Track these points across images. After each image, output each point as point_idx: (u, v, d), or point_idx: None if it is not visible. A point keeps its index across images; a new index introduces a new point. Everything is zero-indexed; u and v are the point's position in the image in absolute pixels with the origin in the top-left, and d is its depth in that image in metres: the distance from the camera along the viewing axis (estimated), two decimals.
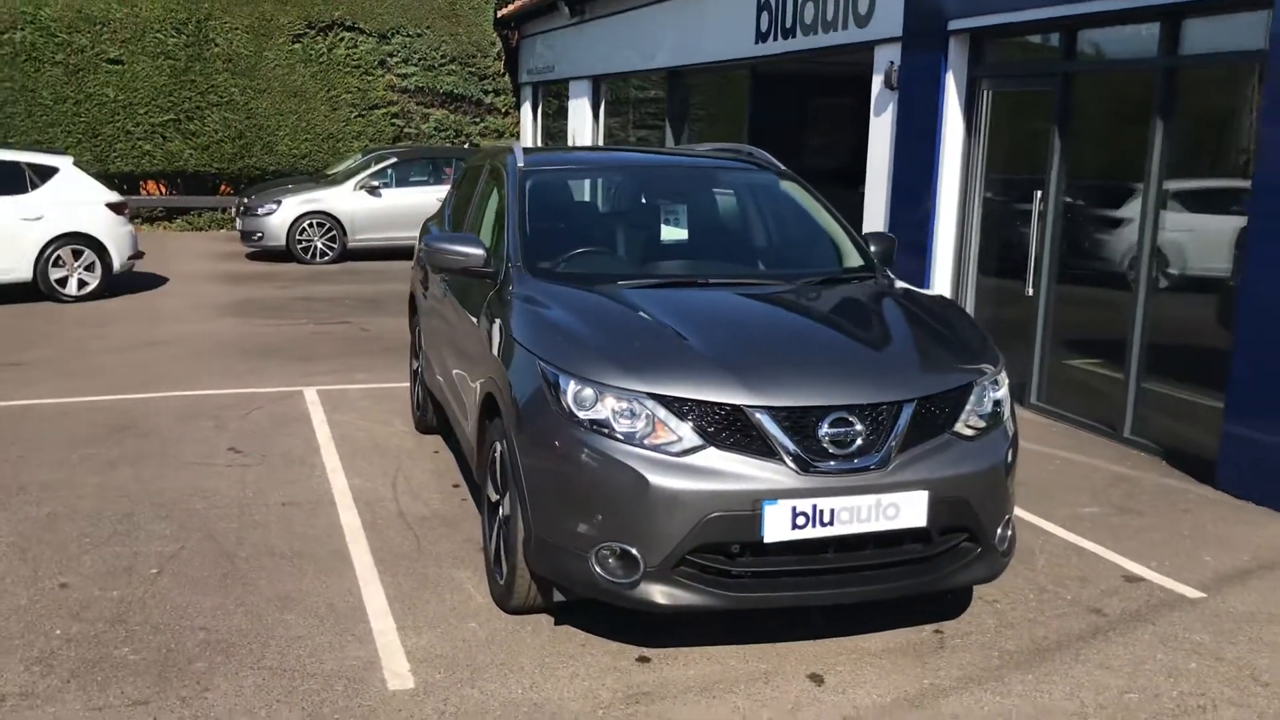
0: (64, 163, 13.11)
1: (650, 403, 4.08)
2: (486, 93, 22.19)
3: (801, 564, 4.13)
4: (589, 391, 4.14)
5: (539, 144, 21.55)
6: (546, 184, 5.72)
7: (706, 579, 4.07)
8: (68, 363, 9.48)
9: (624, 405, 4.10)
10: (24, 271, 12.64)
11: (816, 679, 4.21)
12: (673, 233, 5.67)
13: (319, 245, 16.72)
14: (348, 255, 16.92)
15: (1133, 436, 7.58)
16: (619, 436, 4.07)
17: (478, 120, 22.28)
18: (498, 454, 4.65)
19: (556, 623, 4.61)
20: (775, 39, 11.92)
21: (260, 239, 16.72)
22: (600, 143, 18.38)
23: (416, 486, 6.35)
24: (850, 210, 10.62)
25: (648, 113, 17.03)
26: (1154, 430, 7.47)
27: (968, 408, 4.34)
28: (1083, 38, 8.15)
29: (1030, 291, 8.45)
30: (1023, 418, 8.25)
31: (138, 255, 13.66)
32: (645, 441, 4.05)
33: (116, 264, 13.15)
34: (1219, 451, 6.64)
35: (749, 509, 3.98)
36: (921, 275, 9.44)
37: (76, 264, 12.90)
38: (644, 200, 5.94)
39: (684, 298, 4.92)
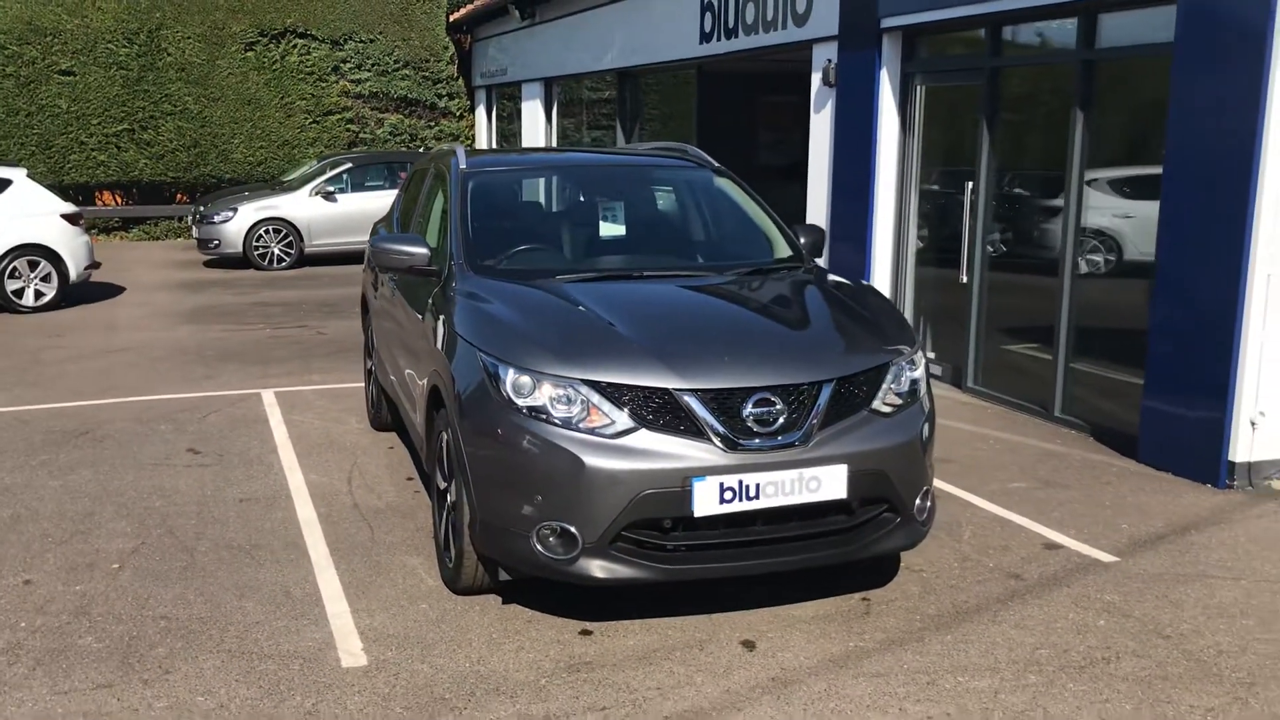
0: (17, 175, 13.18)
1: (585, 389, 4.32)
2: (440, 96, 22.34)
3: (731, 537, 4.39)
4: (526, 380, 4.38)
5: (494, 146, 21.74)
6: (488, 184, 5.95)
7: (642, 553, 4.32)
8: (25, 372, 9.59)
9: (560, 392, 4.34)
10: None
11: (749, 645, 4.47)
12: (611, 229, 5.92)
13: (276, 251, 16.84)
14: (305, 261, 17.06)
15: (1063, 415, 7.90)
16: (556, 421, 4.31)
17: (432, 124, 22.43)
18: (444, 443, 4.88)
19: (504, 602, 4.84)
20: (719, 39, 12.19)
21: (217, 246, 16.82)
22: (554, 144, 18.60)
23: (371, 480, 6.56)
24: (796, 204, 10.95)
25: (600, 113, 17.27)
26: (1082, 409, 7.80)
27: (885, 386, 4.61)
28: (1008, 33, 8.47)
29: (965, 279, 8.77)
30: (959, 401, 8.58)
31: (94, 265, 13.74)
32: (581, 425, 4.29)
33: (73, 274, 13.23)
34: (1139, 426, 6.97)
35: (679, 486, 4.23)
36: (862, 266, 9.74)
37: (33, 275, 12.98)
38: (583, 198, 6.19)
39: (619, 290, 5.16)
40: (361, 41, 21.69)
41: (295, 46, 21.31)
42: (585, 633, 4.58)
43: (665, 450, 4.25)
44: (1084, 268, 7.82)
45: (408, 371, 5.83)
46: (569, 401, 4.33)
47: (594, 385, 4.33)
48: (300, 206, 16.98)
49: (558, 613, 4.74)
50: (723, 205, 6.28)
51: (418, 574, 5.18)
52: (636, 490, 4.22)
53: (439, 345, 4.98)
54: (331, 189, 17.16)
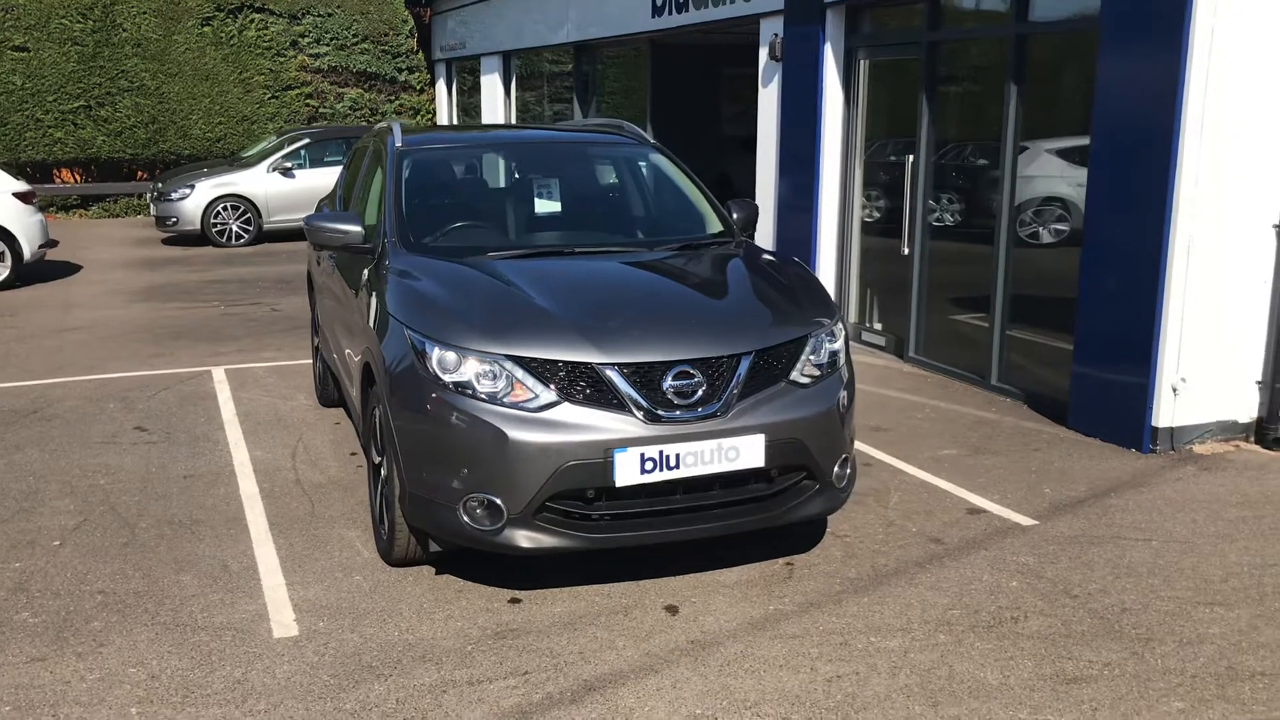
0: None
1: (509, 364, 4.43)
2: (400, 70, 22.28)
3: (654, 505, 4.52)
4: (452, 356, 4.48)
5: (454, 121, 21.70)
6: (423, 162, 6.03)
7: (566, 523, 4.45)
8: None
9: (485, 367, 4.45)
10: None
11: (672, 609, 4.62)
12: (545, 205, 6.01)
13: (234, 228, 16.82)
14: (264, 237, 17.05)
15: (999, 384, 8.08)
16: (481, 396, 4.42)
17: (393, 98, 22.38)
18: (376, 419, 4.99)
19: (437, 573, 4.97)
20: (670, 13, 12.25)
21: (175, 224, 16.78)
22: (513, 118, 18.60)
23: (315, 456, 6.66)
24: (751, 177, 11.06)
25: (561, 87, 17.29)
26: (1018, 377, 7.98)
27: (803, 358, 4.75)
28: (945, 6, 8.58)
29: (906, 250, 8.91)
30: (901, 371, 8.75)
31: (49, 244, 13.72)
32: (505, 400, 4.41)
33: (27, 253, 13.20)
34: (1069, 393, 7.15)
35: (601, 457, 4.35)
36: (808, 237, 9.88)
37: None
38: (518, 176, 6.28)
39: (546, 267, 5.27)
40: (320, 15, 21.60)
41: (253, 21, 21.20)
42: (514, 601, 4.71)
43: (587, 423, 4.37)
44: (1023, 234, 7.97)
45: (345, 349, 5.93)
46: (494, 377, 4.44)
47: (518, 360, 4.44)
48: (258, 182, 16.96)
49: (489, 582, 4.87)
50: (656, 182, 6.38)
51: (354, 547, 5.29)
52: (560, 462, 4.34)
53: (371, 323, 5.08)
54: (289, 165, 17.14)
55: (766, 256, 5.64)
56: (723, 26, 11.48)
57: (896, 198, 9.15)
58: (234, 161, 18.15)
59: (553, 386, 4.42)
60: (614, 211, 6.23)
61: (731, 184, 14.51)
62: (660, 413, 4.43)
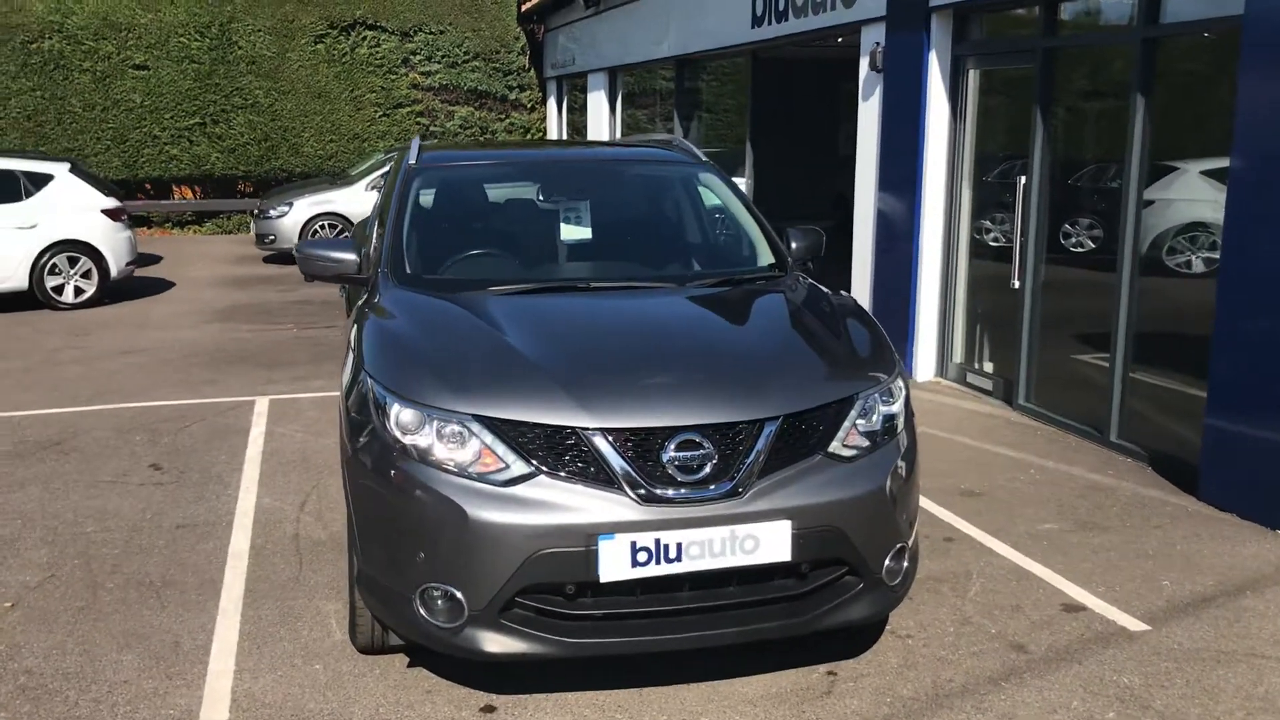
0: (59, 169, 13.00)
1: (476, 426, 3.66)
2: (511, 88, 21.86)
3: (653, 604, 3.68)
4: (412, 414, 3.73)
5: (563, 138, 21.18)
6: (435, 182, 5.33)
7: (541, 624, 3.64)
8: (31, 374, 9.29)
9: (450, 429, 3.68)
10: (20, 280, 12.57)
11: None
12: (572, 232, 5.23)
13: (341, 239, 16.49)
14: None
15: (1119, 440, 6.98)
16: (444, 465, 3.65)
17: (503, 116, 21.97)
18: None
19: (410, 664, 4.21)
20: (770, 23, 11.38)
21: (273, 241, 16.57)
22: (618, 136, 17.95)
23: (325, 505, 5.99)
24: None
25: (665, 105, 16.56)
26: (1141, 433, 6.87)
27: (847, 425, 3.85)
28: (1064, 11, 7.54)
29: (1017, 283, 7.86)
30: (1008, 420, 7.70)
31: (136, 261, 13.53)
32: (471, 471, 3.63)
33: (114, 270, 13.03)
34: (1200, 455, 6.04)
35: (582, 545, 3.54)
36: (909, 267, 8.88)
37: (73, 271, 12.79)
38: (542, 198, 5.50)
39: (549, 306, 4.48)
40: (431, 33, 21.32)
41: (365, 39, 21.03)
42: (488, 709, 3.91)
43: (566, 502, 3.56)
44: (1173, 266, 6.86)
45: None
46: (460, 441, 3.67)
47: (487, 422, 3.66)
48: (355, 201, 16.62)
49: (465, 680, 4.08)
50: (704, 206, 5.55)
51: (328, 624, 4.57)
52: (530, 549, 3.54)
53: (347, 367, 4.37)
54: None
55: (822, 294, 4.74)
56: (822, 36, 10.57)
57: (1006, 222, 8.11)
58: (336, 179, 17.90)
59: (528, 455, 3.62)
60: (649, 240, 5.40)
61: (849, 205, 13.55)
62: (658, 491, 3.59)
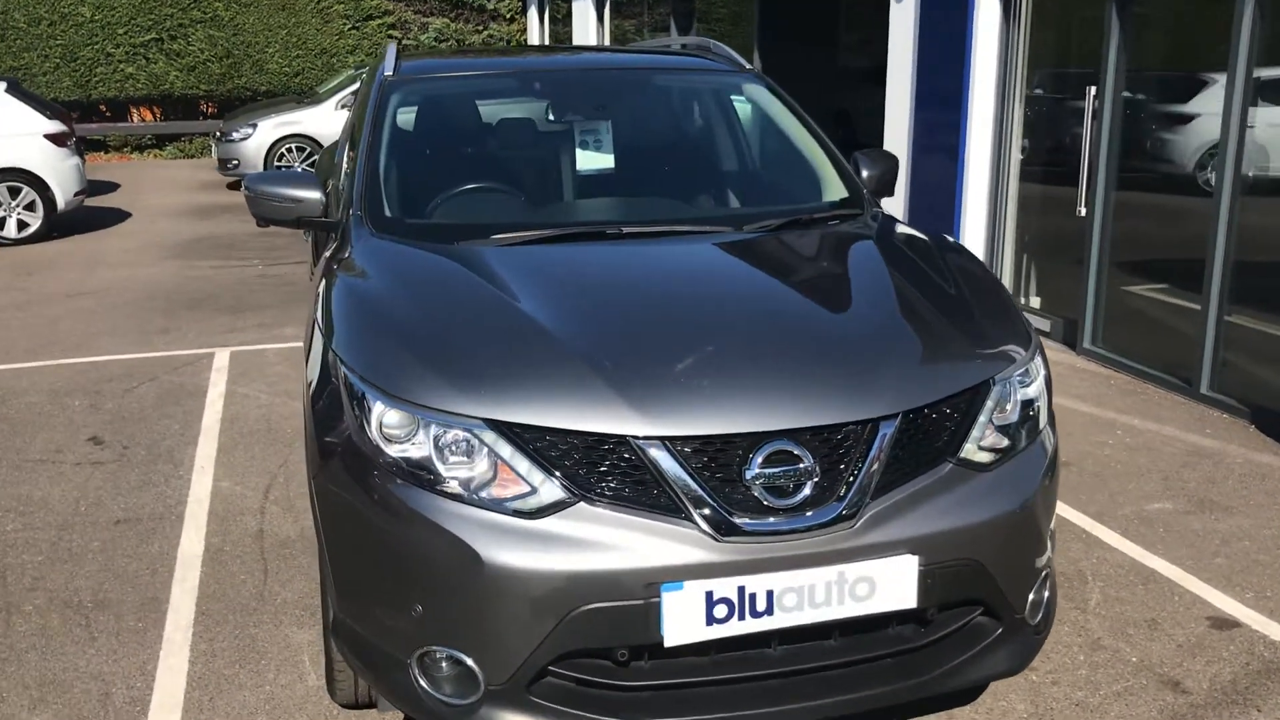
0: None
1: (490, 434, 2.68)
2: None
3: (732, 670, 2.74)
4: (401, 416, 2.74)
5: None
6: (419, 100, 4.27)
7: (583, 700, 2.69)
8: None
9: (452, 438, 2.70)
10: None
11: None
12: (591, 160, 4.19)
13: (301, 171, 15.30)
14: None
15: (1211, 393, 6.06)
16: (446, 488, 2.68)
17: (481, 28, 20.65)
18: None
19: None
20: None
21: (236, 167, 15.33)
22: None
23: (296, 489, 5.03)
24: (870, 116, 9.07)
25: (659, 15, 15.31)
26: (1237, 384, 5.95)
27: (982, 420, 2.89)
28: None
29: (1083, 209, 6.87)
30: (1075, 367, 6.76)
31: (85, 190, 12.36)
32: (482, 495, 2.66)
33: (61, 201, 11.86)
34: None
35: (639, 597, 2.59)
36: (951, 192, 7.88)
37: (14, 203, 11.63)
38: (553, 117, 4.45)
39: (574, 260, 3.46)
40: None
41: None
42: None
43: (617, 539, 2.60)
44: (1253, 189, 5.89)
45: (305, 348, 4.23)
46: (466, 454, 2.69)
47: (505, 430, 2.68)
48: (325, 121, 15.36)
49: None
50: (754, 125, 4.52)
51: (299, 661, 3.63)
52: (568, 605, 2.58)
53: (311, 341, 3.37)
54: None
55: (915, 238, 3.76)
56: None
57: (1071, 141, 7.10)
58: (303, 98, 16.63)
59: (561, 474, 2.65)
60: (689, 169, 4.36)
61: (851, 122, 12.47)
62: (741, 520, 2.63)
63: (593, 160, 4.18)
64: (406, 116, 4.17)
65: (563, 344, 2.85)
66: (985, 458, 2.87)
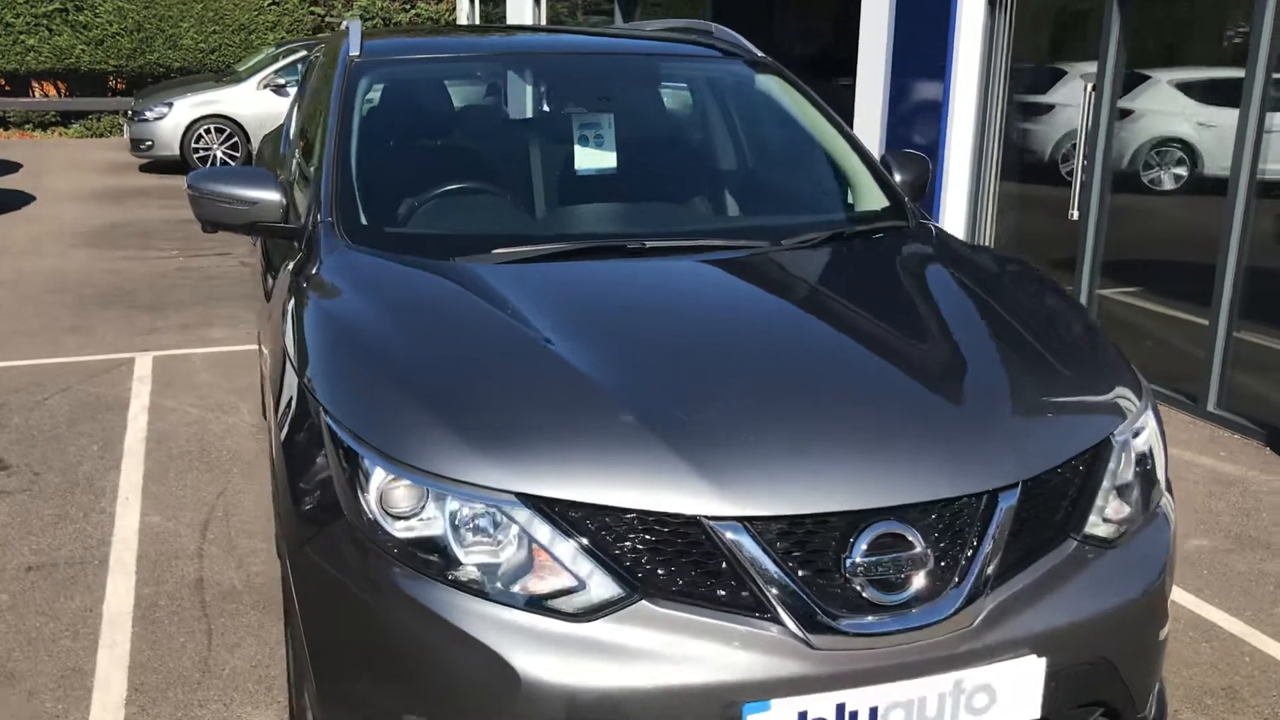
0: None
1: (523, 513, 2.13)
2: None
3: None
4: (407, 490, 2.18)
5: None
6: (393, 85, 3.68)
7: None
8: None
9: (474, 514, 2.15)
10: None
11: None
12: (591, 159, 3.62)
13: (218, 154, 14.46)
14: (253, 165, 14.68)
15: (1219, 411, 5.72)
16: (469, 580, 2.13)
17: (408, 6, 19.85)
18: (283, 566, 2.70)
19: None
20: None
21: (150, 148, 14.45)
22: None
23: (239, 526, 4.41)
24: (837, 108, 8.62)
25: None
26: (1247, 402, 5.61)
27: (1105, 485, 2.41)
28: None
29: (1075, 213, 6.50)
30: None
31: None
32: (514, 589, 2.11)
33: None
34: None
35: (716, 717, 2.07)
36: (930, 190, 7.46)
37: None
38: (548, 108, 3.89)
39: (598, 283, 2.91)
40: None
41: None
42: None
43: (686, 648, 2.07)
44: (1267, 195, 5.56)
45: (268, 397, 3.62)
46: (491, 536, 2.14)
47: (542, 507, 2.13)
48: (246, 102, 14.56)
49: None
50: (769, 119, 4.01)
51: None
52: None
53: (279, 380, 2.78)
54: (283, 81, 14.68)
55: (984, 261, 3.27)
56: None
57: (1059, 142, 6.73)
58: (222, 77, 15.73)
59: (616, 564, 2.11)
60: (709, 172, 3.83)
61: None
62: (836, 621, 2.12)
63: (592, 159, 3.63)
64: (379, 105, 3.58)
65: (610, 398, 2.30)
66: (1109, 531, 2.40)
